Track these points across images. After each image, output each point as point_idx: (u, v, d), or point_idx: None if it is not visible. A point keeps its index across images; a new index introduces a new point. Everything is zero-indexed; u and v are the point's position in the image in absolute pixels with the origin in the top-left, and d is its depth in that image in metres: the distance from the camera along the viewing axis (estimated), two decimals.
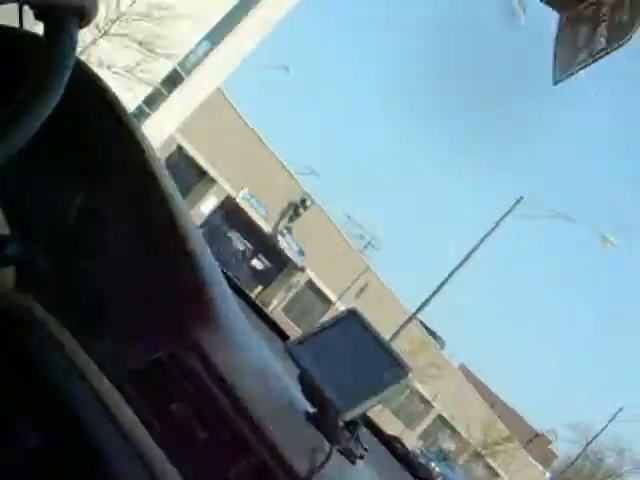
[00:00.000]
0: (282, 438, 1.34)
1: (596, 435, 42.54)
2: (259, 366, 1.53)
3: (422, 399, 34.98)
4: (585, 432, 44.02)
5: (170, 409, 1.28)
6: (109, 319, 1.51)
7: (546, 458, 44.79)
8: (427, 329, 34.72)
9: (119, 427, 1.19)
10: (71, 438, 1.14)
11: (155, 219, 1.50)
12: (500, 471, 37.27)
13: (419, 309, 28.03)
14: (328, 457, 1.38)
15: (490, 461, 36.04)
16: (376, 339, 1.55)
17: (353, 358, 1.54)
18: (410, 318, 27.95)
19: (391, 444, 2.40)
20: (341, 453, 1.51)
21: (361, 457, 1.55)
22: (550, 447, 47.54)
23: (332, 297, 28.44)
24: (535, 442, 45.91)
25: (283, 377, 1.58)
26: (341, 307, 27.47)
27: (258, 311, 2.40)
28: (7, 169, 1.49)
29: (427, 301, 27.37)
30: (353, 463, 1.54)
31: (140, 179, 1.51)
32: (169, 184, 1.51)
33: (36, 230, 1.56)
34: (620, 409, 44.19)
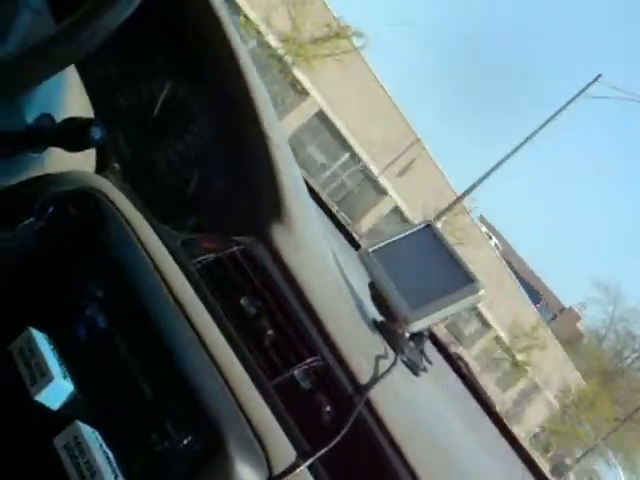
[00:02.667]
0: (347, 343, 1.34)
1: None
2: (330, 270, 1.53)
3: None
4: (615, 294, 40.54)
5: (240, 303, 1.29)
6: (186, 211, 1.52)
7: (574, 336, 40.67)
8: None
9: (188, 319, 1.20)
10: (138, 327, 1.15)
11: (241, 118, 1.50)
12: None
13: (468, 191, 26.32)
14: (391, 366, 1.38)
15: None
16: (450, 254, 1.53)
17: (425, 271, 1.53)
18: (458, 199, 26.20)
19: (455, 363, 2.40)
20: (405, 364, 1.51)
21: (424, 370, 1.55)
22: (578, 325, 42.99)
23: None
24: (562, 318, 41.76)
25: (354, 283, 1.58)
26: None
27: (333, 218, 2.40)
28: (96, 53, 1.50)
29: (479, 182, 25.66)
30: (416, 375, 1.54)
31: (230, 79, 1.50)
32: (259, 88, 1.50)
33: (120, 117, 1.57)
34: None
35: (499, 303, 27.61)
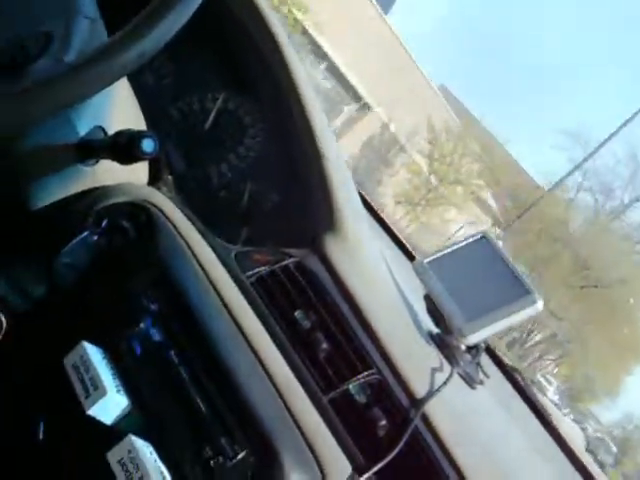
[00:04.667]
0: (403, 356, 1.32)
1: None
2: (385, 282, 1.52)
3: None
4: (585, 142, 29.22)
5: (294, 316, 1.28)
6: (239, 223, 1.52)
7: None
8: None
9: (242, 332, 1.19)
10: (193, 340, 1.15)
11: (293, 128, 1.49)
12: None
13: None
14: (448, 379, 1.36)
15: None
16: (507, 265, 1.51)
17: (481, 282, 1.51)
18: None
19: (512, 375, 2.36)
20: (461, 377, 1.49)
21: (481, 383, 1.53)
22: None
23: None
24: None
25: (409, 295, 1.56)
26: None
27: (387, 229, 2.39)
28: (150, 65, 1.50)
29: None
30: (473, 388, 1.51)
31: (285, 92, 1.50)
32: (313, 100, 1.50)
33: (173, 129, 1.57)
34: None
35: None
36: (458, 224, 26.37)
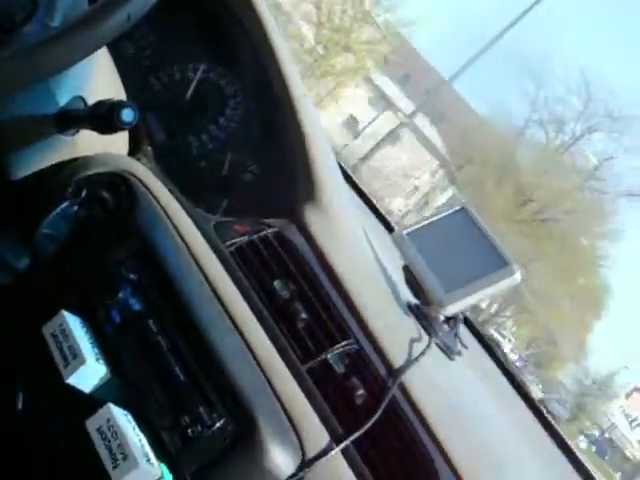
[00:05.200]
0: (381, 326, 1.33)
1: None
2: (364, 253, 1.52)
3: None
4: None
5: (272, 286, 1.29)
6: (219, 194, 1.52)
7: None
8: None
9: (221, 301, 1.20)
10: (172, 310, 1.15)
11: (273, 99, 1.49)
12: None
13: None
14: (425, 349, 1.37)
15: None
16: (485, 236, 1.52)
17: (460, 253, 1.52)
18: None
19: (490, 346, 2.38)
20: (440, 348, 1.50)
21: (459, 354, 1.54)
22: None
23: None
24: None
25: (388, 267, 1.57)
26: None
27: (366, 200, 2.39)
28: (130, 35, 1.50)
29: None
30: (451, 359, 1.53)
31: (264, 61, 1.49)
32: (290, 67, 1.50)
33: (154, 99, 1.57)
34: None
35: None
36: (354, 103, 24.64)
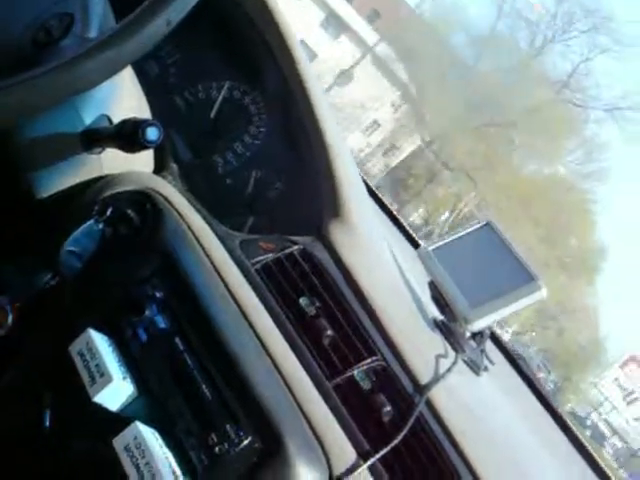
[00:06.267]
0: (407, 342, 1.33)
1: None
2: (389, 269, 1.52)
3: None
4: None
5: (298, 303, 1.29)
6: (244, 211, 1.53)
7: None
8: None
9: (247, 318, 1.20)
10: (198, 327, 1.15)
11: (298, 116, 1.50)
12: None
13: None
14: (452, 366, 1.37)
15: None
16: (511, 251, 1.51)
17: (485, 269, 1.51)
18: None
19: (516, 362, 2.37)
20: (466, 363, 1.50)
21: (486, 369, 1.54)
22: None
23: None
24: None
25: (413, 283, 1.57)
26: None
27: (392, 216, 2.39)
28: (155, 54, 1.50)
29: None
30: (477, 375, 1.52)
31: (289, 80, 1.50)
32: (314, 83, 1.50)
33: (179, 117, 1.57)
34: None
35: None
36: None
